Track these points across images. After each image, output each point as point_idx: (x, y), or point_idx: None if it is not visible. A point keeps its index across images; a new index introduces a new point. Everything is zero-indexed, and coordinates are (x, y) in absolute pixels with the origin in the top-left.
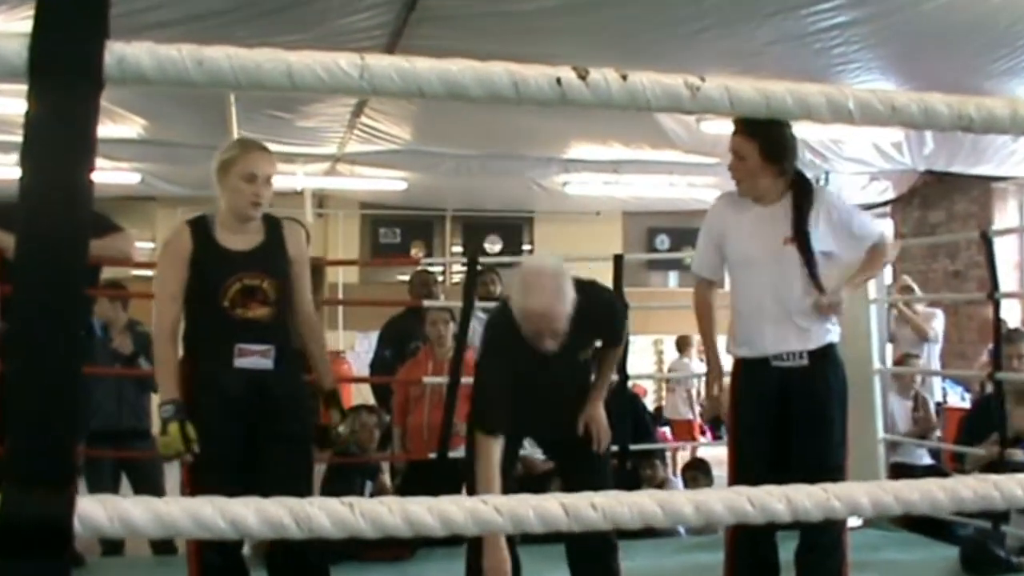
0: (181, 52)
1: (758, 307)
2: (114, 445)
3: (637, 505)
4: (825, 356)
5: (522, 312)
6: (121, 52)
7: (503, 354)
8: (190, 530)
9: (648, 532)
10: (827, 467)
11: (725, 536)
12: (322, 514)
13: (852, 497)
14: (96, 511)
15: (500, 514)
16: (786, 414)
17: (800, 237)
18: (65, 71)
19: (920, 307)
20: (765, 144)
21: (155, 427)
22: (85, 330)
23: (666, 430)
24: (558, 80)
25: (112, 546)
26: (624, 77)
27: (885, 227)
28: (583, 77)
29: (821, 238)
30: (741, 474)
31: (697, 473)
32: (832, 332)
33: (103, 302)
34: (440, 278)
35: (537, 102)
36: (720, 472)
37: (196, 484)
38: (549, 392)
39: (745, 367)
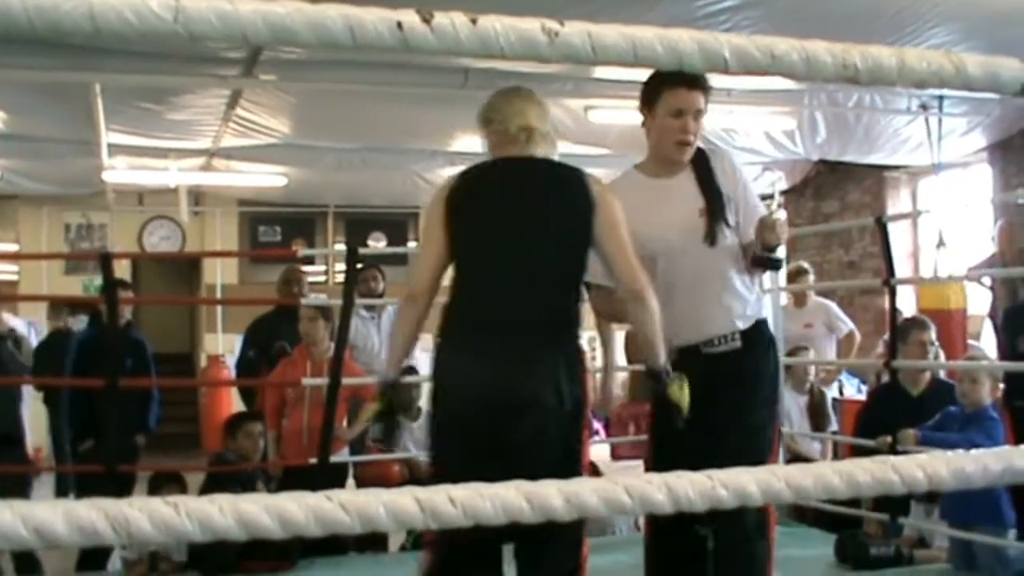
0: None
1: (684, 291)
2: None
3: (500, 498)
4: (759, 335)
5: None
6: None
7: None
8: None
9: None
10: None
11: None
12: (143, 516)
13: (740, 484)
14: None
15: (347, 512)
16: (714, 405)
17: (713, 206)
18: None
19: (812, 296)
20: (708, 97)
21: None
22: None
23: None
24: (399, 24)
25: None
26: (474, 21)
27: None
28: (427, 21)
29: (729, 207)
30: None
31: None
32: (761, 306)
33: None
34: (323, 277)
35: (376, 48)
36: None
37: None
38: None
39: (680, 356)
